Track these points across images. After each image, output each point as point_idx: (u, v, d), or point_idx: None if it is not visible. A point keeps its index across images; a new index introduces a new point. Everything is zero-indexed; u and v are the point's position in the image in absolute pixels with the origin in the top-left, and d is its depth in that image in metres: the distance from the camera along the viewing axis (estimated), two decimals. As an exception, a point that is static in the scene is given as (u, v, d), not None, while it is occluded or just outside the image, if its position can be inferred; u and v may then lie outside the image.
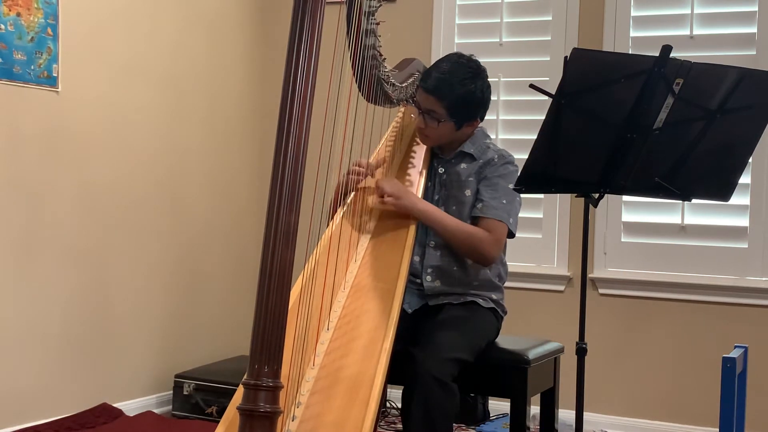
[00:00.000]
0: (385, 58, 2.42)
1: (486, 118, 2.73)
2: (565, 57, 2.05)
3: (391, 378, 2.15)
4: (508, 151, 2.65)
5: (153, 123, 3.77)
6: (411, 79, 2.64)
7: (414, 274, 2.56)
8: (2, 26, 3.07)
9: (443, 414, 2.25)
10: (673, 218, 3.74)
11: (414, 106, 2.69)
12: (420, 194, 2.56)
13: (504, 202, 2.54)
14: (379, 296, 2.26)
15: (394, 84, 2.51)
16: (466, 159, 2.63)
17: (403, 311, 2.26)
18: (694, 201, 2.43)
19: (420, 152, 2.70)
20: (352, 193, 2.57)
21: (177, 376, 3.81)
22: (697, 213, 3.71)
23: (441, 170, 2.66)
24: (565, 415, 3.04)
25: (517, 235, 2.63)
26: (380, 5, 2.33)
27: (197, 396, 3.75)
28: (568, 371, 2.57)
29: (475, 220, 2.56)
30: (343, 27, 2.24)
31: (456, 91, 2.51)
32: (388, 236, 2.48)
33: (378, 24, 2.34)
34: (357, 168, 2.54)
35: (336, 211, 2.55)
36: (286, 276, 1.61)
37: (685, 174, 2.21)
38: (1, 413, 3.13)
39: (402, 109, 2.87)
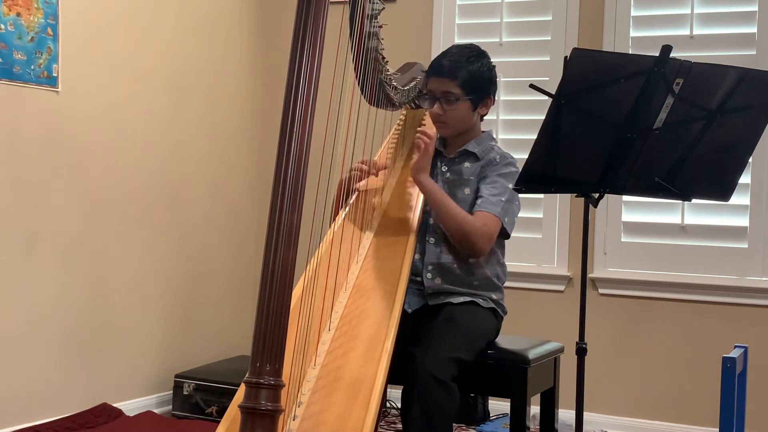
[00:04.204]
0: (387, 61, 2.42)
1: (486, 118, 2.75)
2: (565, 57, 2.05)
3: (391, 378, 2.15)
4: (511, 154, 2.67)
5: (153, 123, 3.77)
6: (413, 83, 2.64)
7: (414, 273, 2.56)
8: (2, 26, 3.08)
9: (443, 414, 2.25)
10: (673, 218, 3.74)
11: (422, 104, 2.69)
12: (421, 195, 2.57)
13: (502, 200, 2.55)
14: (381, 296, 2.26)
15: (396, 87, 2.52)
16: (470, 158, 2.64)
17: (403, 311, 2.26)
18: (694, 201, 2.43)
19: None
20: (354, 194, 2.57)
21: (177, 376, 3.82)
22: (697, 213, 3.71)
23: (444, 168, 2.66)
24: (565, 415, 3.05)
25: (517, 235, 2.64)
26: (383, 8, 2.33)
27: (197, 396, 3.75)
28: (568, 371, 2.57)
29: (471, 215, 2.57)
30: (346, 28, 2.24)
31: (467, 67, 2.57)
32: (389, 237, 2.48)
33: (381, 27, 2.35)
34: (361, 165, 2.55)
35: (338, 210, 2.56)
36: (288, 275, 1.61)
37: (685, 174, 2.21)
38: (1, 413, 3.13)
39: (404, 112, 2.87)
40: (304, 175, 1.64)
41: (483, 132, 2.70)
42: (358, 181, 2.56)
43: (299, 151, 1.62)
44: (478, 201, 2.56)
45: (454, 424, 2.75)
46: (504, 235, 2.59)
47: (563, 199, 3.88)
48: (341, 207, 2.57)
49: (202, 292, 4.11)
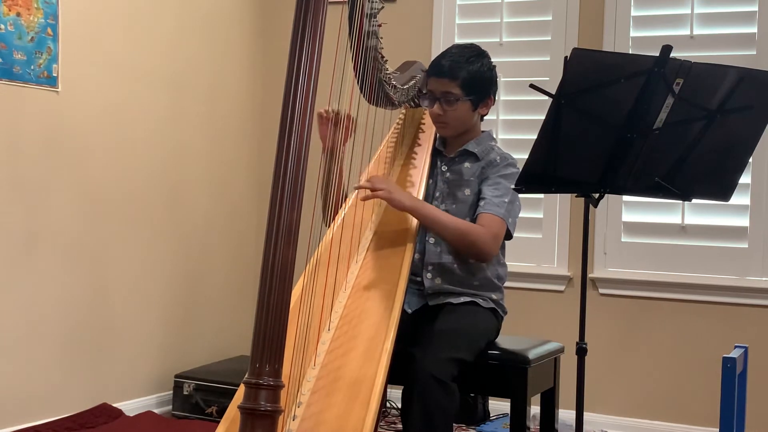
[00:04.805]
0: (386, 60, 2.42)
1: (486, 118, 2.75)
2: (565, 57, 2.05)
3: (391, 378, 2.14)
4: (511, 155, 2.67)
5: (153, 122, 3.77)
6: (412, 82, 2.64)
7: (414, 273, 2.56)
8: (2, 26, 3.08)
9: (443, 414, 2.25)
10: (673, 218, 3.74)
11: (422, 104, 2.69)
12: (421, 194, 2.57)
13: (505, 201, 2.55)
14: (381, 296, 2.26)
15: (395, 86, 2.51)
16: (470, 158, 2.64)
17: (403, 311, 2.26)
18: (694, 201, 2.43)
19: (421, 153, 2.70)
20: (353, 194, 2.57)
21: (177, 376, 3.82)
22: (697, 213, 3.71)
23: (444, 168, 2.67)
24: (565, 415, 3.04)
25: (517, 235, 2.64)
26: (382, 7, 2.33)
27: (197, 396, 3.75)
28: (568, 371, 2.57)
29: (475, 217, 2.57)
30: (345, 28, 2.24)
31: (467, 68, 2.57)
32: (389, 236, 2.48)
33: (380, 26, 2.35)
34: (323, 113, 2.50)
35: (329, 181, 2.55)
36: (287, 274, 1.60)
37: (685, 174, 2.21)
38: (1, 413, 3.13)
39: (403, 111, 2.87)
40: (303, 172, 1.63)
41: (483, 132, 2.70)
42: (333, 135, 2.49)
43: (299, 148, 1.62)
44: (481, 203, 2.56)
45: (454, 424, 2.75)
46: (507, 235, 2.59)
47: (563, 199, 3.88)
48: (341, 207, 2.57)
49: (202, 292, 4.11)
